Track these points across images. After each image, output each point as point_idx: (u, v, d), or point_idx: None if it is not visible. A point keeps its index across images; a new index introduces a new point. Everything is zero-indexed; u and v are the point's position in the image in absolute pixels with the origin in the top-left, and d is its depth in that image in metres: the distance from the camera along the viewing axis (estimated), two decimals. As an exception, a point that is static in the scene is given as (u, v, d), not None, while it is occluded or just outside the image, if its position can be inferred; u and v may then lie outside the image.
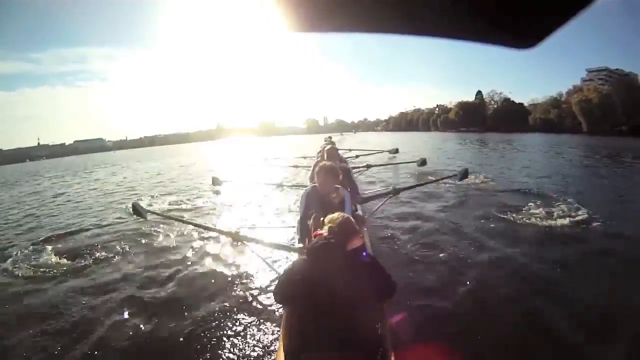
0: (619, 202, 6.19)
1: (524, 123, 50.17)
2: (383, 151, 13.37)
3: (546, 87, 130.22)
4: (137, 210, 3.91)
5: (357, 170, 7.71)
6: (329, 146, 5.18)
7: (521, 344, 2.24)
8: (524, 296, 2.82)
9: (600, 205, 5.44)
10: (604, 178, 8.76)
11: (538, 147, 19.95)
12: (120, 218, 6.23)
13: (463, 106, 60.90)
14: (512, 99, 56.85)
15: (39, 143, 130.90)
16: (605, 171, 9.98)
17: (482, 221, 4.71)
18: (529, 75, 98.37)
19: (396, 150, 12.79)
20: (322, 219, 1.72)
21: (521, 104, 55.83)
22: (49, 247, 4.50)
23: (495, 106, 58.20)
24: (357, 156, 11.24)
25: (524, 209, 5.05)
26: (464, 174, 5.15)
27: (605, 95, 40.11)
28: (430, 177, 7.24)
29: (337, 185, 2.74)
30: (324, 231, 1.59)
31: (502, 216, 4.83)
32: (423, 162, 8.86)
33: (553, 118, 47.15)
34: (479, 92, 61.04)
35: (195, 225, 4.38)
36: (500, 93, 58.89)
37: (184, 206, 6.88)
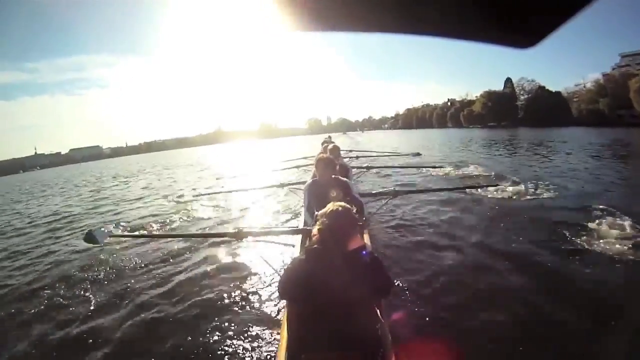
0: None
1: (564, 115, 42.68)
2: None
3: (567, 77, 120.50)
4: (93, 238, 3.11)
5: None
6: (331, 145, 5.25)
7: (523, 344, 2.11)
8: (527, 296, 2.63)
9: None
10: None
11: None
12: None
13: (491, 96, 52.71)
14: (547, 87, 49.11)
15: (35, 152, 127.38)
16: None
17: (487, 221, 4.44)
18: (541, 66, 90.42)
19: None
20: (316, 213, 1.65)
21: (558, 93, 48.09)
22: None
23: (527, 96, 50.52)
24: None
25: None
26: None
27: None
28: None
29: (334, 175, 2.95)
30: (315, 231, 1.51)
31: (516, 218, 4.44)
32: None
33: (603, 109, 39.63)
34: (509, 80, 52.88)
35: (181, 235, 4.23)
36: (533, 80, 51.15)
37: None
